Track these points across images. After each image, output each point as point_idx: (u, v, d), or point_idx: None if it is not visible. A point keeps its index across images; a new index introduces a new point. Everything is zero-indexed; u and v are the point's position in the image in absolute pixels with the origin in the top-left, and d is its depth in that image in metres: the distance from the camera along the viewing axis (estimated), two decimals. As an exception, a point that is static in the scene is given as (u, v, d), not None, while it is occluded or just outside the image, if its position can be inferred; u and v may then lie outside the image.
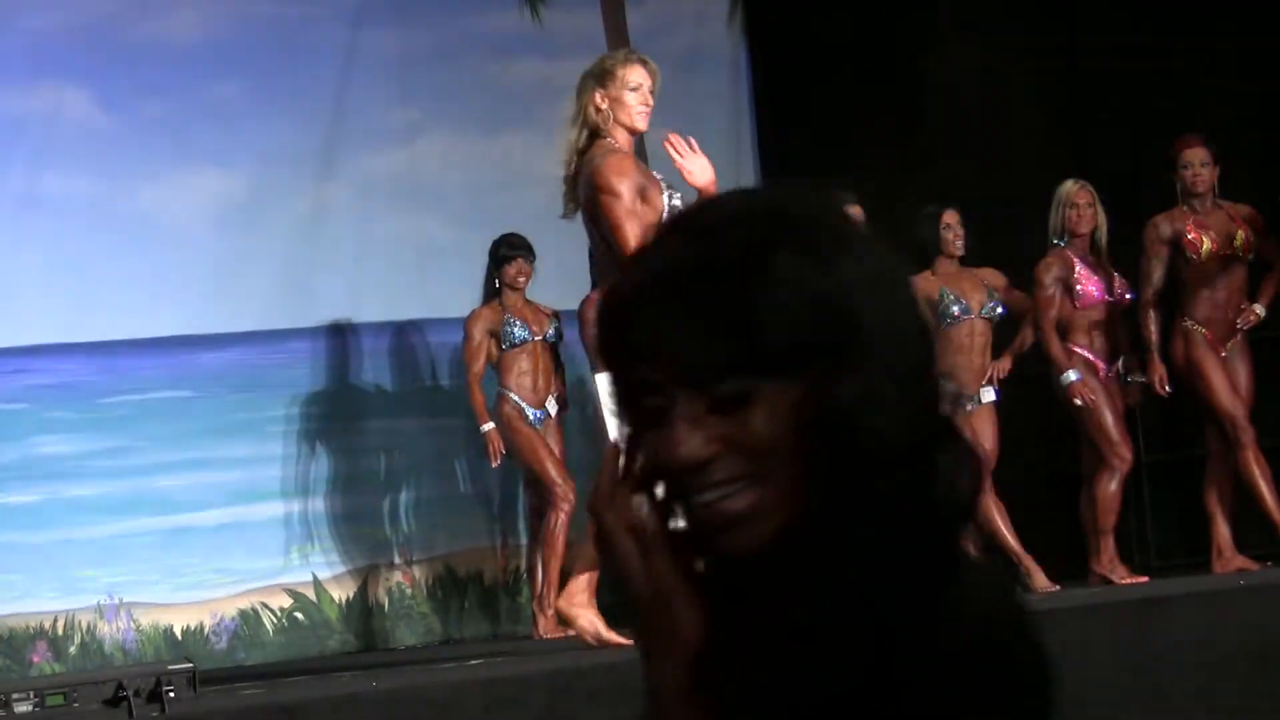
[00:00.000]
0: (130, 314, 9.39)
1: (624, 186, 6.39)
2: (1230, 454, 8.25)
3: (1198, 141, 8.33)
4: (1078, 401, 8.39)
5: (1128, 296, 8.51)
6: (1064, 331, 8.49)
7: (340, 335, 9.93)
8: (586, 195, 6.48)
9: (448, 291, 9.80)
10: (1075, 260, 8.49)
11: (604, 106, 6.51)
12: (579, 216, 6.62)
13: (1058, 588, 8.32)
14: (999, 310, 8.69)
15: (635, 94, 6.51)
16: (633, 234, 6.37)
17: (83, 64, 9.45)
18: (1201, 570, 8.32)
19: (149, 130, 9.58)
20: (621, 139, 6.53)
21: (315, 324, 9.86)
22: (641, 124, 6.56)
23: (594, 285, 6.58)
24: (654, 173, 6.57)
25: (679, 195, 6.55)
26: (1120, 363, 8.53)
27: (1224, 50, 9.29)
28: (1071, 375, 8.40)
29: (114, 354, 9.41)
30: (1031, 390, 8.70)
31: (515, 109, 10.54)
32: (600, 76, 6.52)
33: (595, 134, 6.52)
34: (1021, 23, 10.09)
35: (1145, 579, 8.33)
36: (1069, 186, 8.52)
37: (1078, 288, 8.46)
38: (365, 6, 10.22)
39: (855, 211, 8.80)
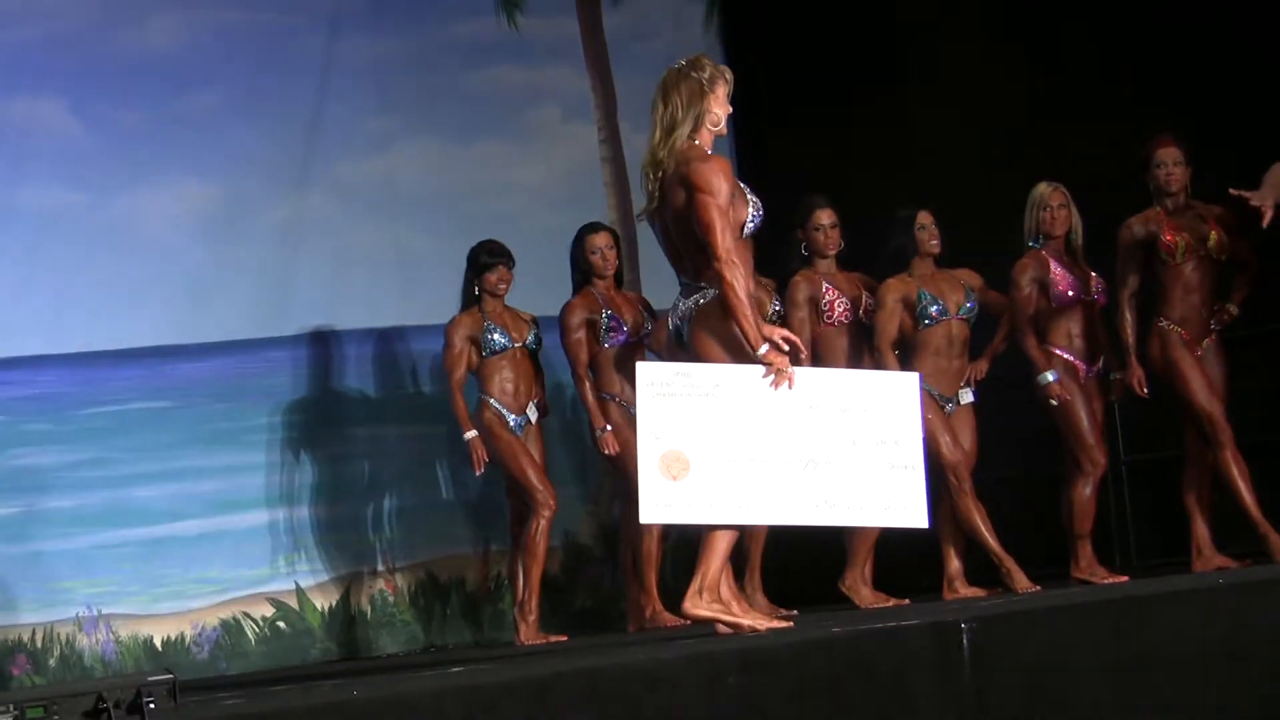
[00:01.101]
0: (108, 324, 9.39)
1: (723, 188, 6.56)
2: (1209, 453, 8.27)
3: (1170, 141, 8.37)
4: (1054, 402, 8.41)
5: (1103, 297, 8.53)
6: (1042, 333, 8.51)
7: (319, 343, 9.93)
8: (681, 196, 6.61)
9: (426, 298, 9.81)
10: (1051, 261, 8.51)
11: (715, 109, 6.69)
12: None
13: (1038, 588, 8.33)
14: (976, 310, 8.71)
15: (727, 101, 6.73)
16: (725, 235, 6.51)
17: (59, 74, 9.44)
18: (1181, 569, 8.33)
19: (126, 140, 9.57)
20: (708, 143, 6.71)
21: (294, 332, 9.86)
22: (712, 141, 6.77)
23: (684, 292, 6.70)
24: (740, 183, 6.70)
25: (758, 204, 6.67)
26: (1101, 362, 8.55)
27: (1199, 51, 9.31)
28: (1049, 376, 8.43)
29: (92, 365, 9.39)
30: (1011, 391, 8.71)
31: (493, 116, 10.56)
32: (713, 82, 6.69)
33: (689, 135, 6.66)
34: (999, 25, 10.11)
35: (1125, 578, 8.34)
36: (1042, 188, 8.55)
37: (1054, 289, 8.48)
38: (342, 15, 10.22)
39: (830, 216, 8.82)
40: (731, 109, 6.77)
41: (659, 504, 6.46)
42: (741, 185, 6.68)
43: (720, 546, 6.61)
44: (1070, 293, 8.48)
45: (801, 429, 6.54)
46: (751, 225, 6.63)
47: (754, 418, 6.50)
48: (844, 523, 6.69)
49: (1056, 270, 8.49)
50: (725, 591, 6.73)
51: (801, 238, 8.83)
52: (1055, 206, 8.51)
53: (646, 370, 6.56)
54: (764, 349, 6.49)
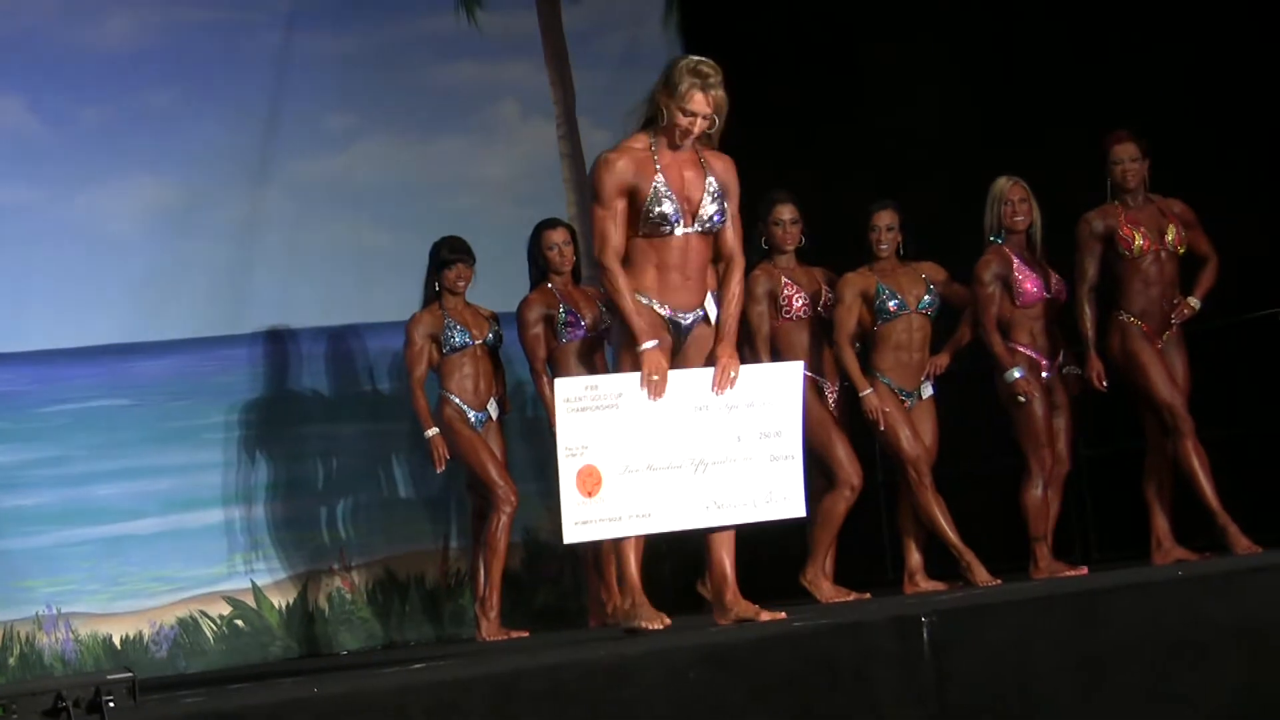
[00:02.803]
0: (66, 322, 9.35)
1: (608, 187, 6.54)
2: (1169, 445, 8.29)
3: (1127, 137, 8.38)
4: (1021, 399, 8.42)
5: (1064, 294, 8.54)
6: (1005, 330, 8.51)
7: (278, 341, 9.91)
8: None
9: (385, 296, 9.80)
10: (1013, 257, 8.52)
11: (664, 107, 6.64)
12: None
13: (999, 582, 8.34)
14: (938, 305, 8.71)
15: (687, 118, 6.63)
16: (601, 236, 6.53)
17: (16, 71, 9.41)
18: (1141, 562, 8.36)
19: (83, 137, 9.54)
20: (664, 141, 6.64)
21: (252, 330, 9.83)
22: (680, 141, 6.66)
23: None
24: (660, 178, 6.59)
25: (672, 204, 6.59)
26: (1061, 357, 8.57)
27: (1157, 47, 9.34)
28: (1015, 373, 8.43)
29: (50, 363, 9.36)
30: (972, 385, 8.73)
31: (452, 112, 10.54)
32: (666, 83, 6.63)
33: (651, 122, 6.65)
34: (959, 21, 10.12)
35: (1085, 571, 8.36)
36: (1002, 183, 8.56)
37: (1017, 285, 8.49)
38: (300, 11, 10.20)
39: (791, 212, 8.82)
40: (693, 106, 6.61)
41: (577, 522, 6.47)
42: (656, 181, 6.58)
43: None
44: (1034, 289, 8.49)
45: (692, 432, 6.58)
46: (649, 222, 6.56)
47: (652, 425, 6.53)
48: (731, 523, 6.71)
49: (1020, 266, 8.50)
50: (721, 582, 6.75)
51: (762, 232, 8.83)
52: (1016, 201, 8.52)
53: (562, 386, 6.55)
54: (650, 345, 6.51)
